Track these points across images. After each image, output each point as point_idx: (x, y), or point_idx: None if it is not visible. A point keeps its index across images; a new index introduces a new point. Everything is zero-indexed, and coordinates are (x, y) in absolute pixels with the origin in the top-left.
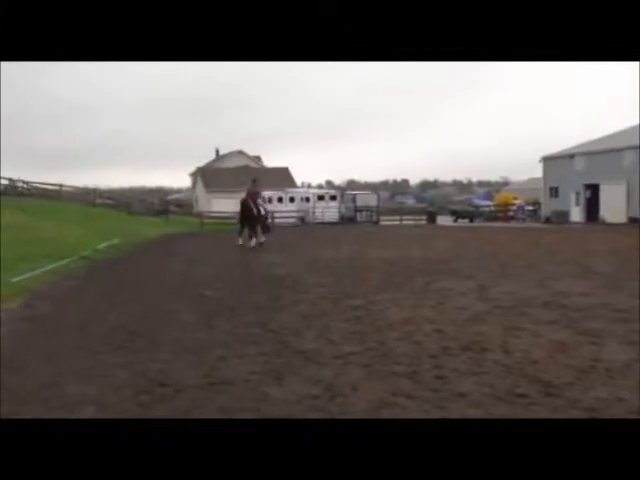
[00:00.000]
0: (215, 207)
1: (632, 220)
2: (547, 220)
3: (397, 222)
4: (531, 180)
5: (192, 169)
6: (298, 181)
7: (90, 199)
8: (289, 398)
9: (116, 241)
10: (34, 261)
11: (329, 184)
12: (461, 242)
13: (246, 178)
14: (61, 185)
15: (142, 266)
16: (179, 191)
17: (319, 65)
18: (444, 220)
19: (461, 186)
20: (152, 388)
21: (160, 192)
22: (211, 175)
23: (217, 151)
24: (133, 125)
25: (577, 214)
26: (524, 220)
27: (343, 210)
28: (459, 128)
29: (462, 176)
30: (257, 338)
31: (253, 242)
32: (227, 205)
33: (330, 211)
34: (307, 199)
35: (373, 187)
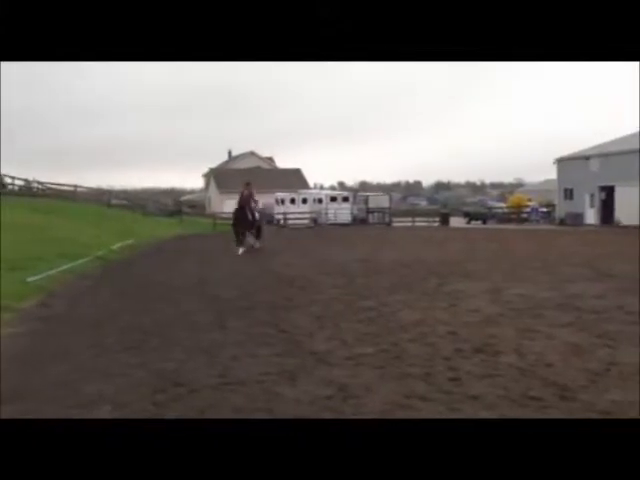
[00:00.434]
0: (227, 208)
1: None
2: (561, 222)
3: (409, 224)
4: (545, 182)
5: (205, 170)
6: (310, 182)
7: (105, 200)
8: (302, 398)
9: (130, 241)
10: (50, 261)
11: (341, 185)
12: (474, 244)
13: (259, 179)
14: (76, 186)
15: (156, 266)
16: (192, 192)
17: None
18: (457, 222)
19: (474, 187)
20: (167, 387)
21: (173, 193)
22: (224, 176)
23: (230, 152)
24: (147, 126)
25: (592, 216)
26: (538, 222)
27: (355, 211)
28: (473, 129)
29: (475, 177)
30: (269, 339)
31: (241, 251)
32: (254, 204)
33: (342, 212)
34: (319, 200)
35: (385, 188)
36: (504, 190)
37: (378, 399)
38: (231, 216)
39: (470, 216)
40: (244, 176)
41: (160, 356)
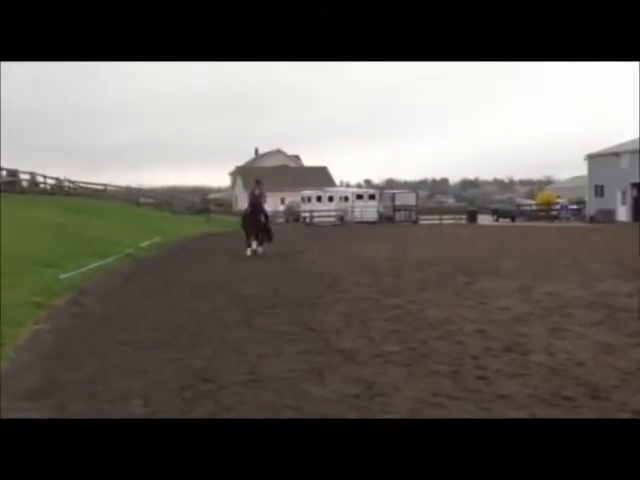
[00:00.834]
0: None
1: None
2: (592, 219)
3: (436, 221)
4: (575, 178)
5: (232, 168)
6: (337, 180)
7: (133, 198)
8: (330, 396)
9: (159, 239)
10: (81, 258)
11: (368, 183)
12: (502, 241)
13: (285, 177)
14: (106, 185)
15: (183, 264)
16: (219, 190)
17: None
18: (485, 219)
19: (502, 185)
20: (196, 383)
21: (201, 191)
22: (250, 174)
23: (256, 150)
24: (175, 125)
25: (623, 213)
26: (568, 219)
27: (382, 209)
28: (501, 126)
29: (503, 175)
30: (296, 336)
31: (249, 251)
32: (266, 204)
33: (369, 210)
34: (346, 198)
35: (412, 186)
36: (533, 187)
37: (406, 397)
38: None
39: (498, 213)
40: (270, 174)
41: (189, 353)
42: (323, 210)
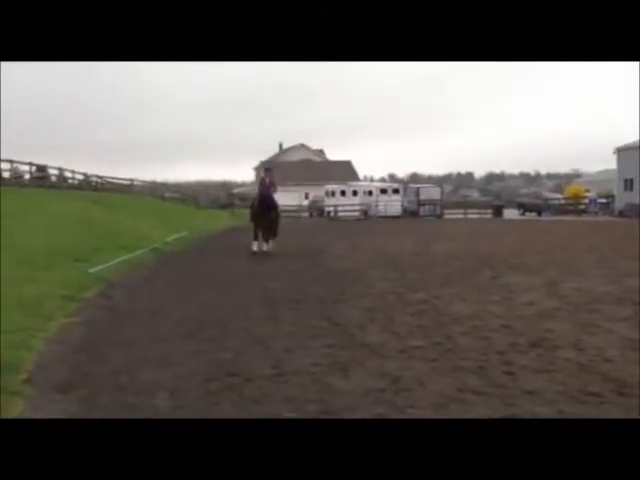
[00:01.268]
0: (278, 200)
1: None
2: (621, 214)
3: (461, 216)
4: (604, 172)
5: (256, 163)
6: (361, 174)
7: (159, 193)
8: (355, 390)
9: (184, 234)
10: (108, 252)
11: (392, 177)
12: (529, 236)
13: (309, 171)
14: (132, 180)
15: (209, 258)
16: (243, 185)
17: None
18: (511, 214)
19: (528, 178)
20: (221, 376)
21: (225, 186)
22: (274, 169)
23: (280, 145)
24: (200, 120)
25: None
26: (596, 213)
27: (406, 204)
28: (527, 118)
29: (530, 168)
30: (321, 331)
31: (266, 246)
32: (290, 198)
33: (393, 205)
34: (370, 193)
35: (437, 180)
36: (560, 181)
37: (431, 392)
38: (281, 208)
39: (524, 208)
40: (294, 168)
41: (215, 346)
42: (347, 204)
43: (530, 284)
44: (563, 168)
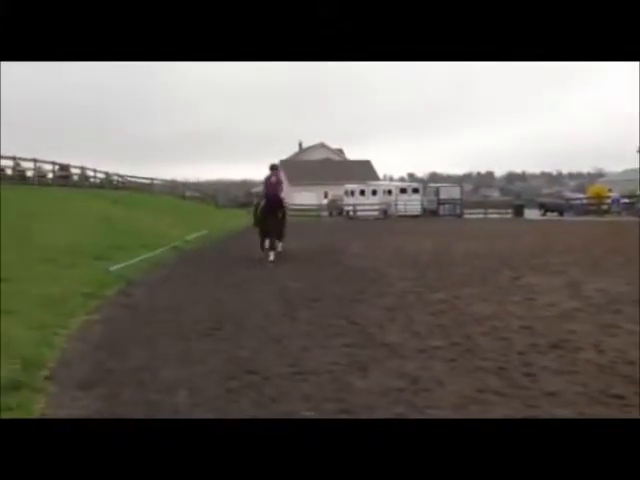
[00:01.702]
0: (297, 199)
1: None
2: None
3: (481, 215)
4: (628, 171)
5: (275, 162)
6: (380, 174)
7: (179, 192)
8: (374, 389)
9: (204, 232)
10: (129, 251)
11: (411, 177)
12: (550, 236)
13: (328, 171)
14: (153, 179)
15: (227, 256)
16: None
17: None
18: (532, 214)
19: (550, 178)
20: (240, 375)
21: (245, 185)
22: (294, 168)
23: (300, 144)
24: (220, 119)
25: None
26: (619, 214)
27: (425, 203)
28: (549, 117)
29: (551, 167)
30: (340, 330)
31: (272, 255)
32: (309, 197)
33: (412, 204)
34: (389, 192)
35: (456, 180)
36: (583, 180)
37: (450, 392)
38: (300, 207)
39: (546, 208)
40: (314, 168)
41: (233, 344)
42: (366, 204)
43: (551, 285)
44: (586, 168)
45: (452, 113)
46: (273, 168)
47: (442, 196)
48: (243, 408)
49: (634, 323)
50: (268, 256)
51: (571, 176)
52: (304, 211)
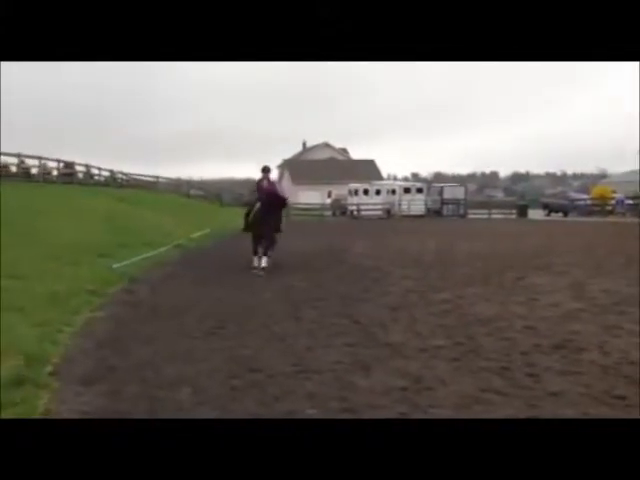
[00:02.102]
0: (302, 199)
1: None
2: None
3: (485, 216)
4: (632, 172)
5: (279, 161)
6: (384, 173)
7: (183, 190)
8: (376, 388)
9: (208, 231)
10: (134, 248)
11: (415, 176)
12: (554, 237)
13: (332, 170)
14: (157, 177)
15: (231, 255)
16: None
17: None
18: (536, 214)
19: (554, 178)
20: (243, 373)
21: (249, 183)
22: (297, 167)
23: (304, 143)
24: (224, 118)
25: None
26: (623, 214)
27: (429, 203)
28: (553, 118)
29: (555, 168)
30: (343, 329)
31: (264, 261)
32: (313, 197)
33: (416, 204)
34: (393, 192)
35: (460, 180)
36: (587, 181)
37: (453, 392)
38: (305, 207)
39: (550, 208)
40: (318, 167)
41: (236, 342)
42: (370, 203)
43: (555, 285)
44: (590, 168)
45: (457, 113)
46: (265, 171)
47: (446, 196)
48: (247, 406)
49: (636, 324)
50: (259, 263)
51: (575, 176)
52: (308, 210)
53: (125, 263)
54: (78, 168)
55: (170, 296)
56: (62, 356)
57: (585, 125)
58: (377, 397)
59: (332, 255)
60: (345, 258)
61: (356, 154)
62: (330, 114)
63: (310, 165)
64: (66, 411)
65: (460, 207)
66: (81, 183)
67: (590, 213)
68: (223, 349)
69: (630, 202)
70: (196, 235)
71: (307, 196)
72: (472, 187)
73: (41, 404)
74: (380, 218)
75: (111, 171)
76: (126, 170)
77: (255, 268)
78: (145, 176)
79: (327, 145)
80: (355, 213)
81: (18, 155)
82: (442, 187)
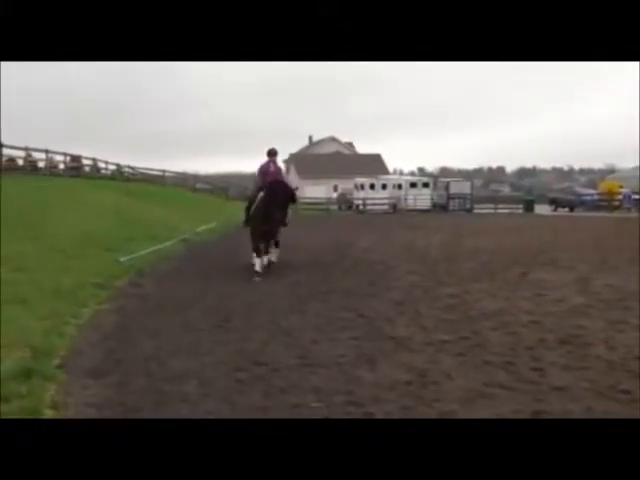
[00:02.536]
0: (308, 193)
1: None
2: None
3: (492, 210)
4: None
5: (285, 156)
6: (390, 168)
7: (190, 184)
8: (381, 382)
9: (213, 225)
10: (139, 242)
11: (421, 171)
12: (560, 232)
13: (339, 164)
14: (164, 171)
15: (236, 249)
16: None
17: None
18: (542, 209)
19: (561, 173)
20: (249, 366)
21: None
22: (304, 161)
23: (310, 137)
24: (230, 113)
25: None
26: (629, 210)
27: (435, 198)
28: (561, 113)
29: (563, 163)
30: (349, 323)
31: (266, 259)
32: (319, 191)
33: (422, 198)
34: (399, 186)
35: (467, 174)
36: (594, 176)
37: (458, 386)
38: (311, 201)
39: (556, 203)
40: (324, 161)
41: (241, 336)
42: (376, 198)
43: (560, 280)
44: (597, 163)
45: (463, 108)
46: (271, 154)
47: (452, 191)
48: (252, 399)
49: None
50: (261, 262)
51: (582, 172)
52: (314, 204)
53: (132, 256)
54: (85, 162)
55: (176, 289)
56: (69, 349)
57: (593, 120)
58: (383, 391)
59: (338, 249)
60: (351, 252)
61: (362, 148)
62: (337, 108)
63: (316, 159)
64: (73, 404)
65: (466, 202)
66: (88, 177)
67: (597, 208)
68: (228, 342)
69: (637, 197)
70: (201, 229)
71: (313, 190)
72: (478, 182)
73: (48, 396)
74: (386, 212)
75: (118, 165)
76: (133, 164)
77: (257, 273)
78: (152, 170)
79: (333, 139)
80: (361, 207)
81: (25, 148)
82: (448, 182)
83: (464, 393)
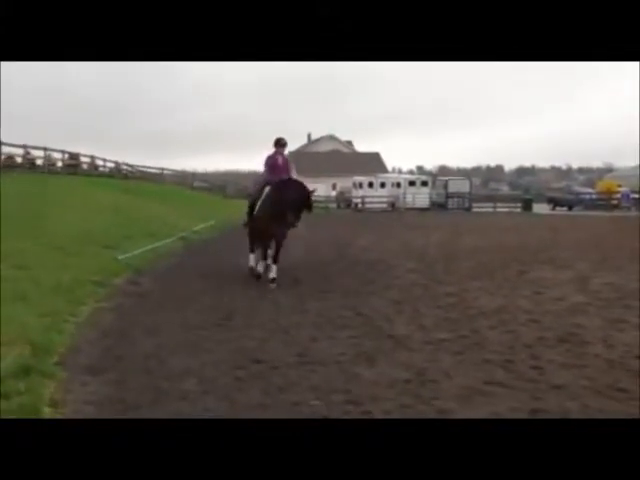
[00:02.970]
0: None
1: None
2: None
3: (490, 209)
4: (638, 167)
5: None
6: (389, 166)
7: (188, 182)
8: (380, 381)
9: (211, 223)
10: (138, 240)
11: (420, 169)
12: (559, 231)
13: (337, 163)
14: (162, 169)
15: (234, 247)
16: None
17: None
18: (541, 208)
19: (560, 172)
20: (248, 364)
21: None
22: (302, 159)
23: (309, 136)
24: (229, 111)
25: None
26: (629, 209)
27: (434, 196)
28: (559, 112)
29: (561, 162)
30: (348, 321)
31: (274, 270)
32: (318, 189)
33: (421, 197)
34: (398, 184)
35: (465, 173)
36: (592, 175)
37: (456, 385)
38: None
39: (555, 202)
40: (323, 159)
41: (241, 334)
42: (375, 196)
43: (559, 279)
44: (596, 162)
45: (462, 107)
46: (279, 144)
47: (451, 189)
48: (251, 397)
49: None
50: (268, 271)
51: (581, 170)
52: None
53: (130, 254)
54: (83, 159)
55: (175, 287)
56: (68, 346)
57: (591, 119)
58: (381, 389)
59: (337, 247)
60: (349, 251)
61: (361, 147)
62: (336, 107)
63: (315, 157)
64: (72, 401)
65: (465, 200)
66: (86, 174)
67: (595, 207)
68: (228, 340)
69: (636, 196)
70: (199, 227)
71: (311, 188)
72: (477, 180)
73: (47, 393)
74: (385, 211)
75: (116, 162)
76: (131, 162)
77: (259, 275)
78: (150, 168)
79: (332, 137)
80: (360, 206)
81: (24, 146)
82: (447, 180)
83: (463, 391)
